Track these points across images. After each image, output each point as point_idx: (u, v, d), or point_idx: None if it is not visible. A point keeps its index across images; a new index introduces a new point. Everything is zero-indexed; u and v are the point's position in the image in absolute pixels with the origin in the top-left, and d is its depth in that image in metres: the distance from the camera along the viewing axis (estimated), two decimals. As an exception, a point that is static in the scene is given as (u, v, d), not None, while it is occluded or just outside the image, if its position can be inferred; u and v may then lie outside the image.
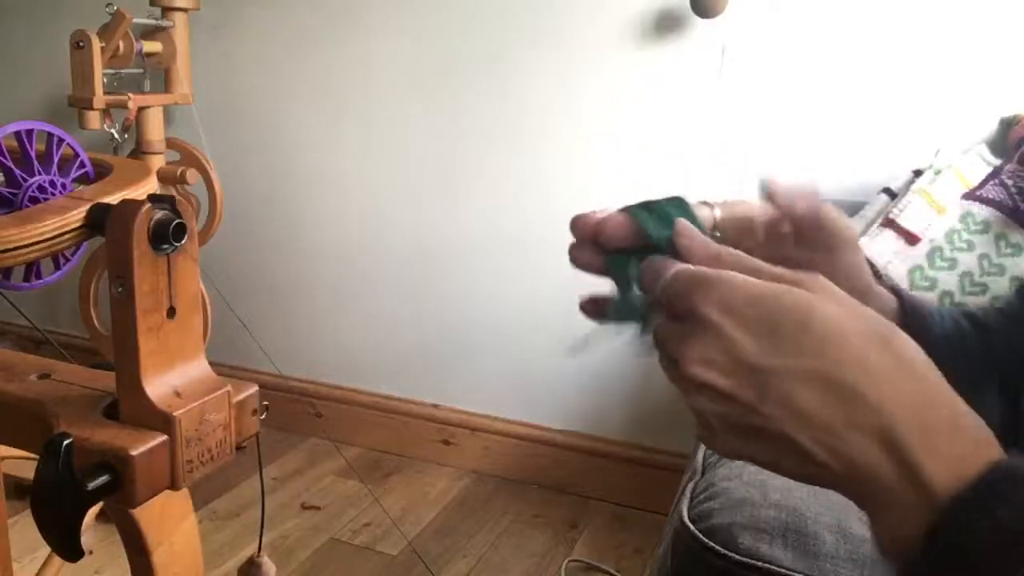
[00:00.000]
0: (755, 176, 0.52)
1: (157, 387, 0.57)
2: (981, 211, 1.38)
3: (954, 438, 0.37)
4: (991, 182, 1.41)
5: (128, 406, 0.57)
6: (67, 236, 0.62)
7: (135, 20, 1.75)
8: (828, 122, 1.70)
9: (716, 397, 0.40)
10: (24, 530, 1.12)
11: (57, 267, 0.70)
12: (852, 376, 0.38)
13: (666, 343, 0.43)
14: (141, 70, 1.87)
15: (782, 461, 0.40)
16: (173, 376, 0.58)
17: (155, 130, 1.90)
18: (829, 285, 0.42)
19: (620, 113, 1.85)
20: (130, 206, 0.55)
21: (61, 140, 0.71)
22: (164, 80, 1.93)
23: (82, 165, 0.74)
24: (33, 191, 0.67)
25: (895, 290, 0.58)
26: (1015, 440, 0.52)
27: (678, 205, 0.49)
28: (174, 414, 0.56)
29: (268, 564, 0.85)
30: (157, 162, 1.91)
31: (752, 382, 0.39)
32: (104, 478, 0.53)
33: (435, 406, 2.13)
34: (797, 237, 0.55)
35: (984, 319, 0.61)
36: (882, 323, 0.40)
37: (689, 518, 0.92)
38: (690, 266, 0.43)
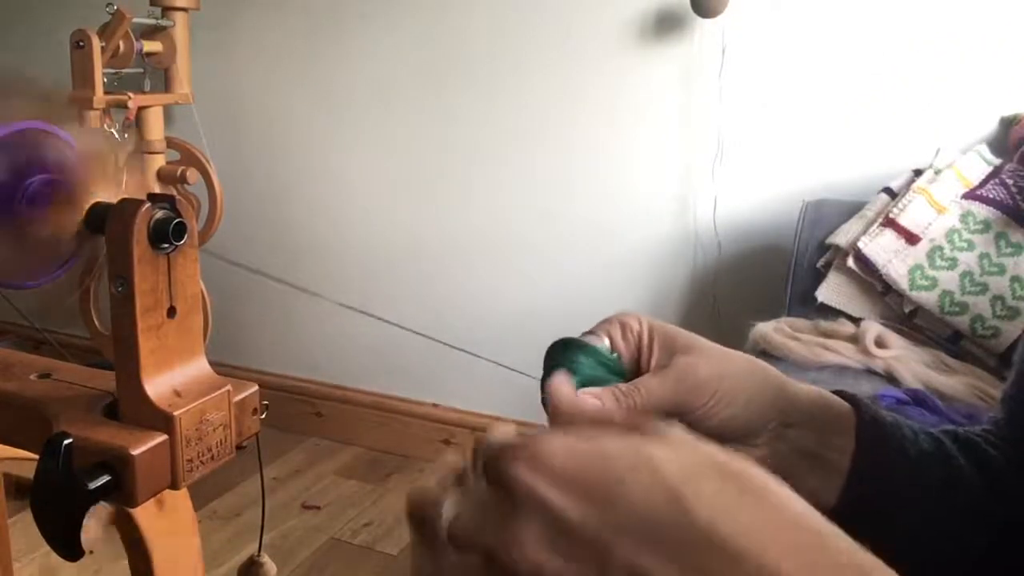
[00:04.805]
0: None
1: (157, 386, 0.56)
2: (981, 210, 1.38)
3: None
4: (991, 181, 1.41)
5: (128, 406, 0.57)
6: (67, 236, 0.62)
7: (135, 20, 1.75)
8: (828, 122, 1.70)
9: None
10: (24, 530, 1.12)
11: (57, 266, 0.70)
12: (716, 524, 0.30)
13: (480, 532, 0.34)
14: (141, 70, 1.87)
15: None
16: (173, 376, 0.58)
17: (155, 130, 1.90)
18: (677, 432, 0.35)
19: (620, 112, 1.85)
20: (130, 205, 0.55)
21: (61, 139, 0.70)
22: (164, 80, 1.93)
23: (82, 164, 0.74)
24: (33, 190, 0.67)
25: (852, 399, 0.48)
26: None
27: (574, 349, 0.46)
28: (174, 413, 0.56)
29: (268, 564, 0.85)
30: (157, 162, 1.91)
31: (591, 556, 0.31)
32: (104, 478, 0.53)
33: (435, 406, 2.13)
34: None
35: (982, 451, 0.50)
36: (734, 461, 0.33)
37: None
38: (506, 433, 0.36)
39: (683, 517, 0.30)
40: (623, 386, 0.44)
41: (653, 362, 0.47)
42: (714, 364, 0.45)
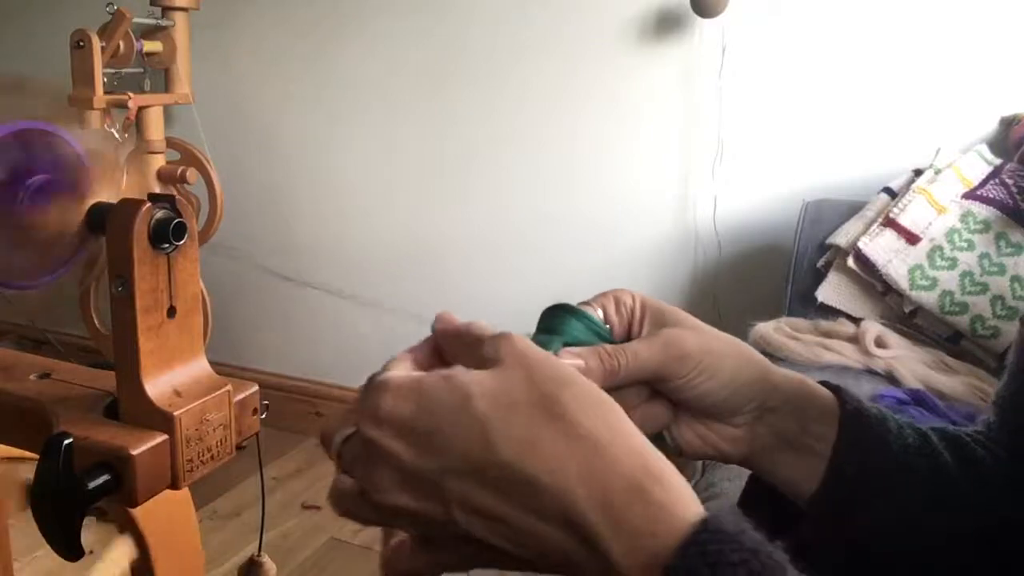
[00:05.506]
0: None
1: (157, 386, 0.56)
2: (981, 210, 1.38)
3: (640, 510, 0.33)
4: (991, 181, 1.41)
5: (128, 405, 0.57)
6: (68, 236, 0.62)
7: (135, 19, 1.74)
8: (828, 122, 1.70)
9: (413, 520, 0.37)
10: (24, 530, 1.12)
11: (57, 266, 0.70)
12: (519, 461, 0.34)
13: (353, 469, 0.38)
14: (141, 70, 1.87)
15: (498, 561, 0.37)
16: (173, 375, 0.58)
17: (155, 130, 1.90)
18: (519, 348, 0.37)
19: (620, 112, 1.85)
20: (130, 205, 0.55)
21: (61, 139, 0.70)
22: (164, 80, 1.92)
23: (82, 164, 0.74)
24: (33, 190, 0.67)
25: (836, 389, 0.49)
26: None
27: (566, 313, 0.46)
28: (174, 413, 0.56)
29: (269, 564, 0.85)
30: (157, 162, 1.91)
31: (432, 493, 0.35)
32: (104, 478, 0.53)
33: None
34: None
35: (969, 451, 0.49)
36: (548, 389, 0.36)
37: (689, 518, 0.91)
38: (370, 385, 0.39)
39: (493, 456, 0.34)
40: (609, 347, 0.45)
41: (643, 334, 0.47)
42: (701, 338, 0.46)
